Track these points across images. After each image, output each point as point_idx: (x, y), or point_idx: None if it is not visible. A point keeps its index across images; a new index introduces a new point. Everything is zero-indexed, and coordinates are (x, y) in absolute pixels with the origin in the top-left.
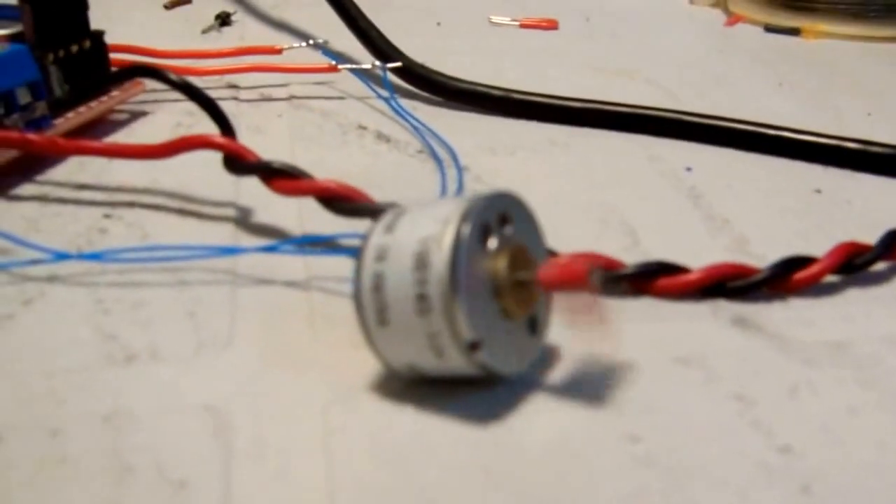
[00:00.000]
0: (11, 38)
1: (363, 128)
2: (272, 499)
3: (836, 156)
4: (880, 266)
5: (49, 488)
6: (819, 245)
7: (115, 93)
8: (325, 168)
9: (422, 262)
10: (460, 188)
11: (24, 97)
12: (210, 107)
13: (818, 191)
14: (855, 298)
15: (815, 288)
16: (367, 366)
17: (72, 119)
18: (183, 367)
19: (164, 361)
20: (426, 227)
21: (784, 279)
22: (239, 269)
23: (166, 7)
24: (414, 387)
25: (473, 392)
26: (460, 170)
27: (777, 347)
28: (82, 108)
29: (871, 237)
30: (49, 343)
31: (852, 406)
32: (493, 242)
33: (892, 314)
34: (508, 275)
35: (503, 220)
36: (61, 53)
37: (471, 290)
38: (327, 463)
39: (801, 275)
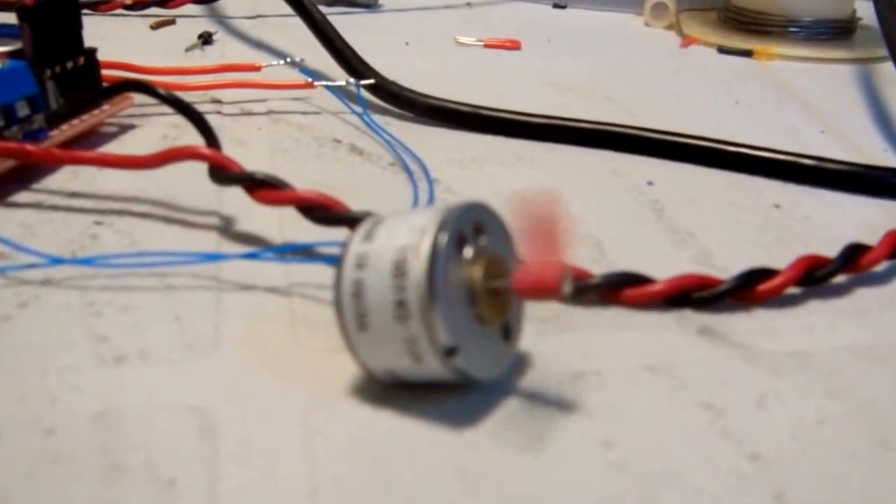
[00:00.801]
0: (11, 55)
1: (338, 141)
2: (257, 498)
3: (793, 172)
4: (840, 279)
5: (44, 485)
6: (780, 258)
7: (106, 106)
8: (303, 179)
9: (400, 270)
10: (431, 200)
11: (22, 110)
12: (197, 119)
13: (777, 205)
14: (816, 310)
15: (777, 299)
16: (347, 370)
17: (66, 131)
18: (170, 368)
19: (153, 363)
20: (403, 237)
21: (748, 290)
22: (223, 275)
23: (152, 27)
24: (392, 391)
25: (449, 397)
26: (431, 182)
27: (743, 357)
28: (76, 121)
29: (829, 250)
30: (44, 343)
31: (820, 416)
32: (468, 251)
33: (853, 325)
34: (483, 283)
35: (478, 229)
36: (57, 69)
37: (448, 297)
38: (309, 464)
39: (764, 286)
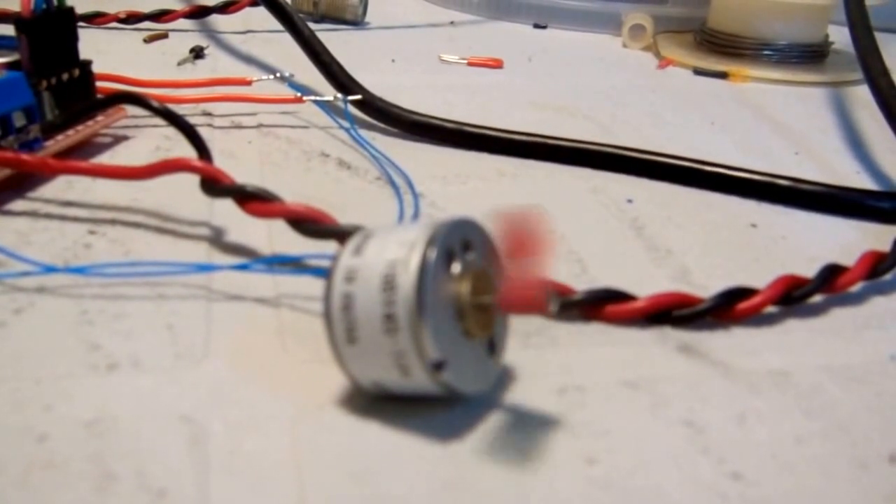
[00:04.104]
0: (9, 66)
1: (326, 155)
2: None
3: (770, 192)
4: (817, 299)
5: (36, 492)
6: (757, 277)
7: (100, 118)
8: (291, 192)
9: (389, 284)
10: (416, 214)
11: (19, 120)
12: (189, 132)
13: (753, 225)
14: (794, 329)
15: (756, 318)
16: (334, 381)
17: (61, 141)
18: (162, 376)
19: (144, 371)
20: (393, 251)
21: (727, 309)
22: (213, 286)
23: (146, 41)
24: (379, 403)
25: (435, 410)
26: (416, 196)
27: (722, 375)
28: (71, 132)
29: (804, 270)
30: (37, 350)
31: (799, 435)
32: (456, 267)
33: (830, 345)
34: (471, 298)
35: (466, 245)
36: (53, 81)
37: (436, 312)
38: (297, 475)
39: (743, 305)
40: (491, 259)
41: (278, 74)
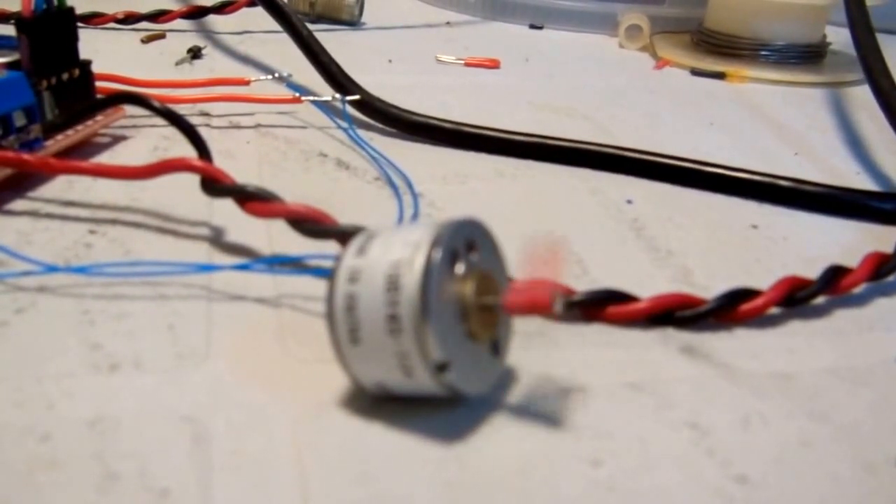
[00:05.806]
0: (9, 66)
1: (324, 155)
2: None
3: (771, 193)
4: (820, 300)
5: (38, 491)
6: (758, 278)
7: (99, 118)
8: (290, 192)
9: (393, 285)
10: (416, 214)
11: (19, 120)
12: (189, 132)
13: (754, 226)
14: (797, 331)
15: (758, 319)
16: (336, 382)
17: (61, 141)
18: (163, 377)
19: (146, 371)
20: (397, 251)
21: (730, 310)
22: (214, 286)
23: (143, 41)
24: (381, 404)
25: (438, 411)
26: (415, 196)
27: (726, 377)
28: (71, 131)
29: (805, 271)
30: (39, 350)
31: (804, 438)
32: (460, 267)
33: (833, 347)
34: (475, 299)
35: (470, 246)
36: (53, 80)
37: (440, 312)
38: (300, 475)
39: (746, 306)
40: (495, 260)
41: (276, 74)
